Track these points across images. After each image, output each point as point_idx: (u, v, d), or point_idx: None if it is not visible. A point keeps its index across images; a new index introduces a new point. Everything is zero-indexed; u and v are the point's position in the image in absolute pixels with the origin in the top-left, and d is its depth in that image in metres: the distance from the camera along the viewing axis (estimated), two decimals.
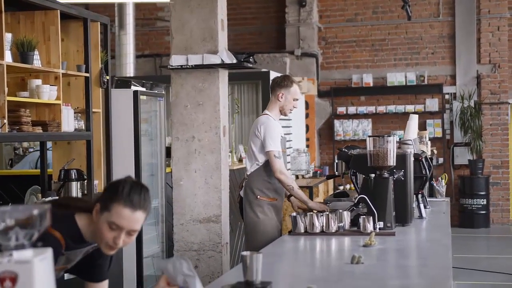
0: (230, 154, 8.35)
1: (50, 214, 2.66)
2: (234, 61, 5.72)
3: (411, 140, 5.48)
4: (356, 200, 4.64)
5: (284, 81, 5.55)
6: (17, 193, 6.53)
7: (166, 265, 2.52)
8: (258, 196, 5.46)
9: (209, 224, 5.77)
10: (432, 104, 13.19)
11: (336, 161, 5.41)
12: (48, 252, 1.87)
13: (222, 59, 5.68)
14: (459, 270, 8.83)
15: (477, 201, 12.75)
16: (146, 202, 2.81)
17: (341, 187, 10.75)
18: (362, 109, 13.43)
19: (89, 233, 2.87)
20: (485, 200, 12.78)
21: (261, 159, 5.43)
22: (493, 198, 13.09)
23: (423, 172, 5.24)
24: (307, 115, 12.86)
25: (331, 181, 11.22)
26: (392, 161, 4.61)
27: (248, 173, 5.54)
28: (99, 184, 6.15)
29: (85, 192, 5.89)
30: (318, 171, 11.12)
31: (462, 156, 13.14)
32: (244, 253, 2.84)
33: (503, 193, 13.18)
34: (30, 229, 1.87)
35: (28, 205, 1.94)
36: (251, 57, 5.94)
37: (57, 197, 5.47)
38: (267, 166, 5.39)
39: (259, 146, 5.41)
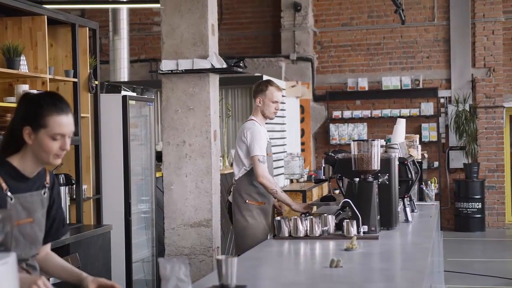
0: (222, 158, 8.37)
1: None
2: (224, 65, 5.73)
3: (397, 144, 5.48)
4: (341, 204, 4.64)
5: (260, 86, 5.63)
6: None
7: (165, 264, 2.53)
8: (247, 201, 5.50)
9: (200, 228, 5.78)
10: (427, 108, 13.19)
11: (323, 165, 5.42)
12: (11, 257, 1.88)
13: (212, 64, 5.69)
14: (453, 273, 8.83)
15: (472, 204, 12.75)
16: (68, 104, 2.92)
17: (337, 191, 10.73)
18: (358, 113, 13.43)
19: (28, 167, 2.89)
20: (480, 203, 12.78)
21: (248, 164, 5.48)
22: (489, 201, 13.09)
23: (409, 176, 5.25)
24: (302, 119, 12.88)
25: (325, 185, 11.21)
26: (376, 165, 4.61)
27: (236, 178, 5.58)
28: (87, 189, 6.17)
29: (74, 197, 5.91)
30: (313, 175, 11.10)
31: (458, 160, 13.14)
32: (219, 257, 2.87)
33: (498, 197, 13.18)
34: None
35: None
36: (242, 62, 5.95)
37: None
38: None
39: (246, 151, 5.46)
